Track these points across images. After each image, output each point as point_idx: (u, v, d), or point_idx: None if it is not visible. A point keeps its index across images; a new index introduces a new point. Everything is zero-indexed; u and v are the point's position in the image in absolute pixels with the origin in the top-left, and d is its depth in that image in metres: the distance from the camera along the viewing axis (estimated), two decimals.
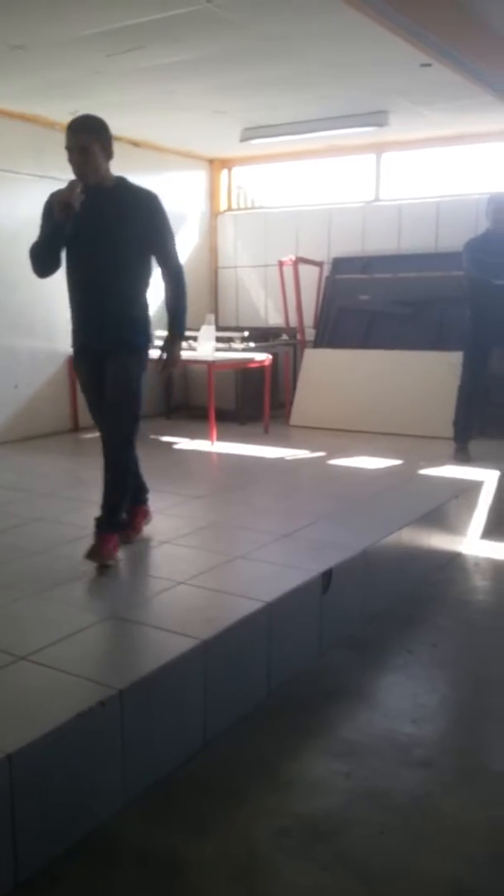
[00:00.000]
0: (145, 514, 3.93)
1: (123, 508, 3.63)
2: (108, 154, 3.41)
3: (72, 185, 3.28)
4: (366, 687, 3.09)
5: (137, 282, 3.49)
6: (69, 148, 3.34)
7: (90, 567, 3.42)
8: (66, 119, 7.00)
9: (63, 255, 3.45)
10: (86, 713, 2.21)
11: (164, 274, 3.56)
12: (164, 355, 3.64)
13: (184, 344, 7.26)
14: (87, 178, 3.34)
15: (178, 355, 3.67)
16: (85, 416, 7.25)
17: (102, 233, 3.39)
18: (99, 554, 3.41)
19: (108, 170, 3.43)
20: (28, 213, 6.58)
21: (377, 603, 3.75)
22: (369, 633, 3.55)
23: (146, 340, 3.56)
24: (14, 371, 6.67)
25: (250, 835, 2.22)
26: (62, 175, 7.36)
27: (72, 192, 3.25)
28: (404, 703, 2.96)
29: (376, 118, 6.52)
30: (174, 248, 3.57)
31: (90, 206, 3.31)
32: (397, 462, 5.68)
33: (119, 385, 3.47)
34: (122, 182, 3.50)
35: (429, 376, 6.79)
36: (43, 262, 3.44)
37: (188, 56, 4.97)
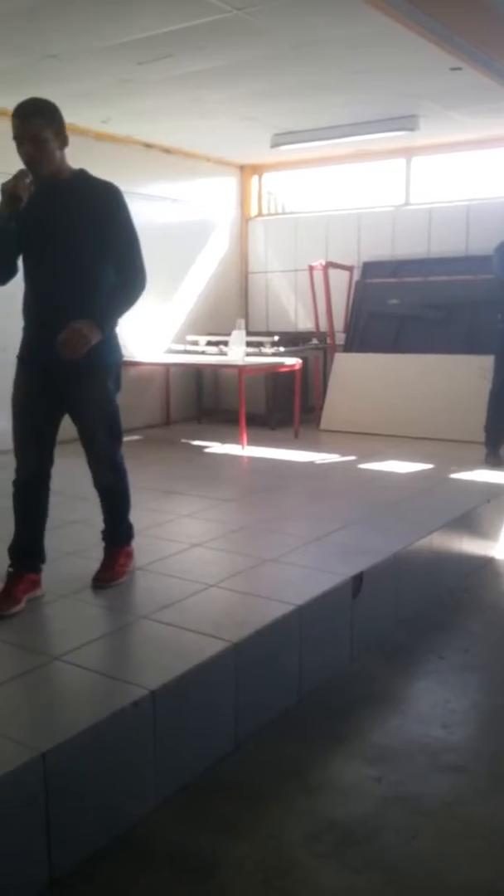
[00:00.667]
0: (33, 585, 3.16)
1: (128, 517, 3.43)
2: (63, 141, 2.93)
3: (21, 173, 2.83)
4: (397, 692, 3.08)
5: (98, 291, 2.98)
6: (18, 138, 2.86)
7: None
8: (98, 126, 7.11)
9: (19, 259, 3.04)
10: (119, 713, 2.23)
11: (121, 276, 3.03)
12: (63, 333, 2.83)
13: (213, 349, 7.43)
14: (40, 171, 2.87)
15: (75, 341, 2.82)
16: (131, 419, 7.36)
17: (56, 233, 2.92)
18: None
19: (63, 159, 2.96)
20: None
21: (408, 607, 3.73)
22: (400, 637, 3.53)
23: (118, 355, 3.18)
24: None
25: (282, 838, 2.22)
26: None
27: (18, 182, 2.81)
28: (435, 708, 2.95)
29: (406, 122, 6.51)
30: (139, 252, 3.07)
31: (44, 202, 2.89)
32: (428, 466, 5.65)
33: (98, 411, 3.11)
34: (81, 174, 3.01)
35: (459, 380, 6.75)
36: None
37: (218, 63, 5.01)
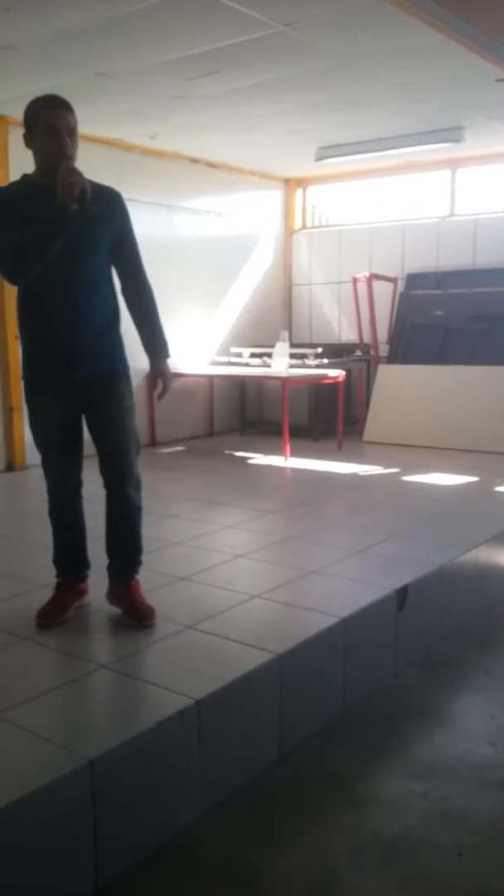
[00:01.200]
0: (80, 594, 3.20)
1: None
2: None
3: (71, 167, 2.68)
4: (442, 707, 3.05)
5: (112, 291, 2.97)
6: (54, 128, 2.71)
7: (166, 580, 3.49)
8: (145, 142, 7.21)
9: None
10: (164, 722, 2.25)
11: (131, 289, 3.02)
12: (161, 383, 3.09)
13: (257, 361, 7.45)
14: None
15: (171, 378, 3.12)
16: (164, 432, 7.44)
17: (74, 239, 2.74)
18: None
19: None
20: None
21: (454, 621, 3.69)
22: (446, 651, 3.50)
23: (127, 365, 3.04)
24: None
25: (327, 851, 2.21)
26: (141, 197, 7.57)
27: (78, 174, 2.65)
28: (482, 724, 2.91)
29: (452, 134, 6.49)
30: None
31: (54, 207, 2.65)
32: (473, 479, 5.59)
33: (121, 422, 2.95)
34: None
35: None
36: (39, 255, 2.66)
37: (264, 78, 5.06)
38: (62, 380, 2.88)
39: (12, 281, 2.77)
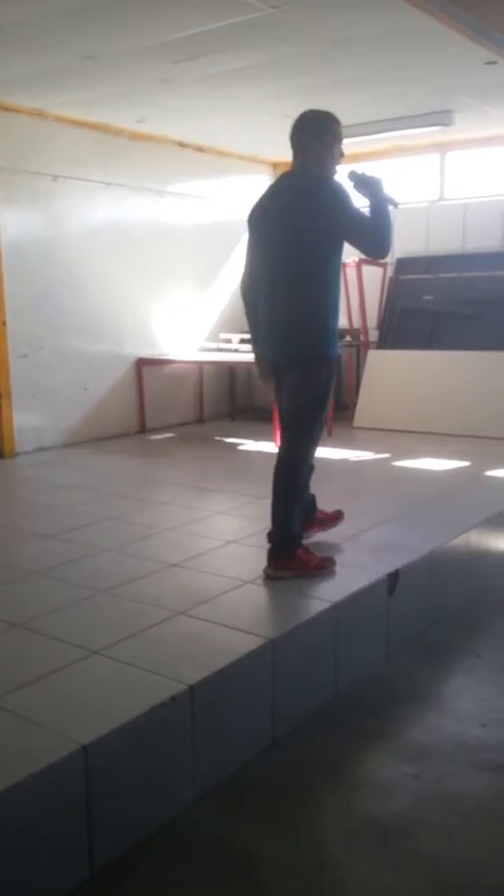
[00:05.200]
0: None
1: None
2: None
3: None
4: (434, 690, 3.07)
5: None
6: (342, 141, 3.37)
7: (157, 566, 3.49)
8: (133, 126, 7.18)
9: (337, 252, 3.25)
10: (157, 707, 2.25)
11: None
12: None
13: (246, 347, 7.43)
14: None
15: None
16: (153, 419, 7.43)
17: None
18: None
19: None
20: (96, 220, 6.81)
21: (444, 605, 3.71)
22: (437, 635, 3.52)
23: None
24: (83, 374, 6.82)
25: (320, 834, 2.23)
26: (129, 182, 7.53)
27: None
28: (473, 706, 2.93)
29: (441, 118, 6.46)
30: None
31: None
32: (464, 464, 5.61)
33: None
34: None
35: (494, 377, 6.69)
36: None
37: (253, 61, 5.01)
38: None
39: (382, 254, 3.26)
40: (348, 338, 7.85)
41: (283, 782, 2.48)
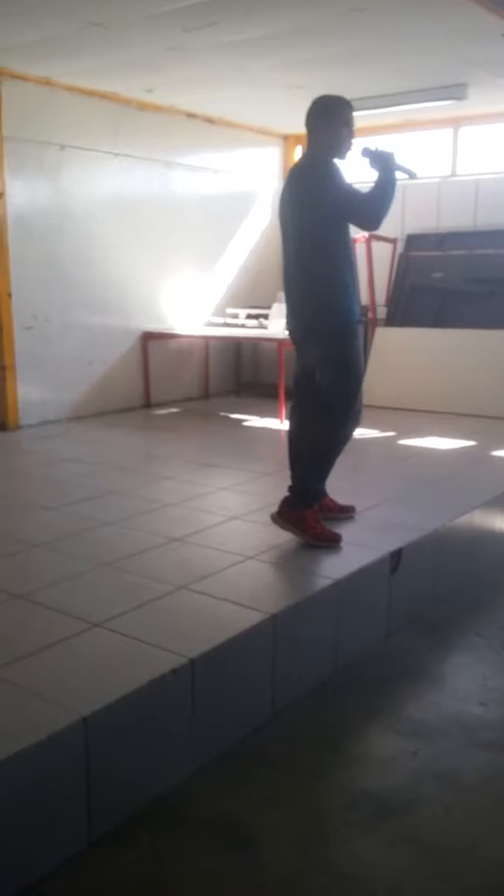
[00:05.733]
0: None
1: None
2: None
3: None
4: (434, 668, 3.08)
5: None
6: (352, 126, 3.42)
7: (160, 540, 3.49)
8: (142, 96, 7.08)
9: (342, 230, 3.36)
10: (158, 680, 2.26)
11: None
12: None
13: (253, 322, 7.40)
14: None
15: None
16: (158, 393, 7.41)
17: None
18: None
19: None
20: (104, 191, 6.74)
21: (447, 584, 3.71)
22: (439, 614, 3.52)
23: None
24: (89, 348, 6.80)
25: (318, 808, 2.24)
26: (137, 153, 7.44)
27: None
28: (473, 685, 2.94)
29: (455, 91, 6.36)
30: None
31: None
32: (470, 443, 5.59)
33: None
34: None
35: (503, 356, 6.64)
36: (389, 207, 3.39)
37: (264, 31, 4.93)
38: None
39: (373, 226, 3.36)
40: None
41: (282, 756, 2.49)
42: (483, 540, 4.13)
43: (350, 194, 3.29)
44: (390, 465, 5.03)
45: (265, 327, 7.06)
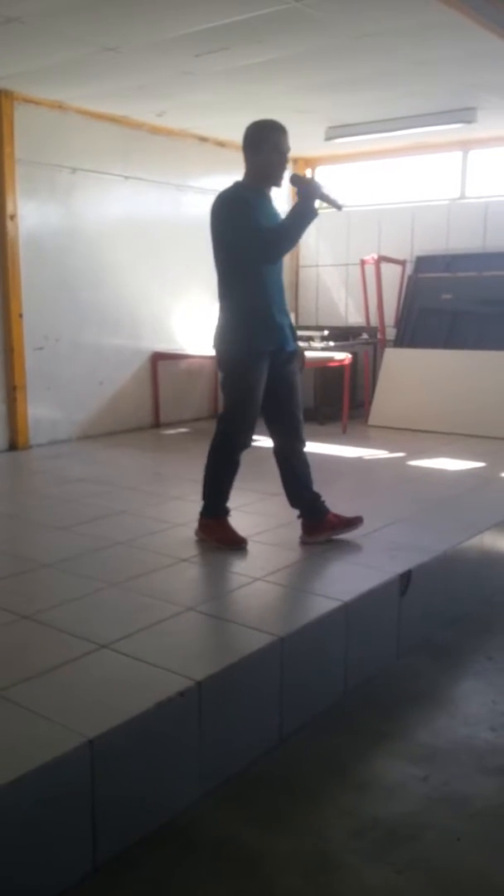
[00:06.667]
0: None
1: None
2: None
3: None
4: (444, 692, 3.05)
5: None
6: (287, 153, 3.56)
7: (170, 559, 3.48)
8: (153, 120, 7.15)
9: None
10: (165, 703, 2.24)
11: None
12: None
13: None
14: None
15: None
16: (168, 413, 7.43)
17: None
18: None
19: None
20: (115, 214, 6.80)
21: (457, 607, 3.68)
22: (449, 637, 3.49)
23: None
24: (100, 368, 6.83)
25: (325, 834, 2.21)
26: (148, 176, 7.49)
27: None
28: (483, 709, 2.90)
29: (464, 115, 6.41)
30: None
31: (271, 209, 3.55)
32: (479, 464, 5.57)
33: (298, 390, 3.74)
34: None
35: None
36: (294, 242, 3.52)
37: (275, 55, 4.98)
38: (274, 351, 3.53)
39: (268, 261, 3.43)
40: (365, 335, 7.81)
41: (290, 781, 2.46)
42: (493, 562, 4.10)
43: (252, 233, 3.35)
44: (399, 486, 5.01)
45: None
